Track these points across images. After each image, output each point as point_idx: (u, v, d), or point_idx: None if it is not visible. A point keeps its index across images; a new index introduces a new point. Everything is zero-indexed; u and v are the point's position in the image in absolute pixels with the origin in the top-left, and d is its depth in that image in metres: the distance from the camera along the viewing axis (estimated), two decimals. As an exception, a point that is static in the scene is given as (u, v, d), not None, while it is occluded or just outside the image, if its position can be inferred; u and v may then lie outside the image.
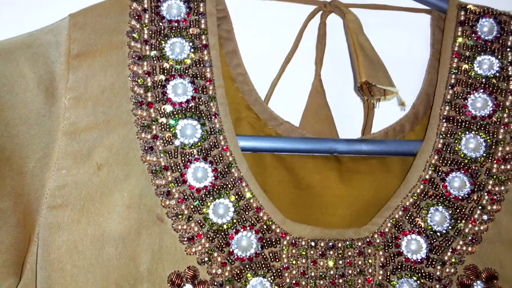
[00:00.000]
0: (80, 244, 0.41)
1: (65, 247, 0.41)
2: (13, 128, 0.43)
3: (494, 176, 0.48)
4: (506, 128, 0.49)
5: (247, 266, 0.44)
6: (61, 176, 0.42)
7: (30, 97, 0.43)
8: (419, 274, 0.46)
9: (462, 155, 0.48)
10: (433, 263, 0.46)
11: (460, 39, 0.50)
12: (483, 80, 0.50)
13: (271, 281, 0.44)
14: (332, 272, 0.45)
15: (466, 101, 0.49)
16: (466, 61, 0.50)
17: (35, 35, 0.45)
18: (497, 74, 0.50)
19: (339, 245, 0.46)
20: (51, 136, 0.43)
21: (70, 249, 0.41)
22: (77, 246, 0.41)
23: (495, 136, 0.49)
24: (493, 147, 0.48)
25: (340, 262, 0.45)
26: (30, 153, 0.43)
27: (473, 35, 0.51)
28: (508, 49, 0.51)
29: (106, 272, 0.41)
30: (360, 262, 0.46)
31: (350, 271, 0.46)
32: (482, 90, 0.50)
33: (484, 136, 0.49)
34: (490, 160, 0.48)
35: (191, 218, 0.43)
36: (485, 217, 0.47)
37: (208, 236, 0.44)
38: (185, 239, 0.43)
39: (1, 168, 0.42)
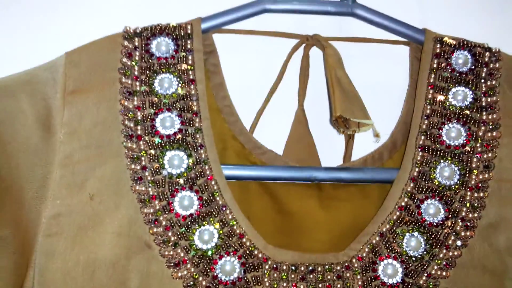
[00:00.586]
0: (73, 270, 0.44)
1: (59, 273, 0.44)
2: (13, 160, 0.46)
3: (468, 204, 0.50)
4: (479, 157, 0.51)
5: (230, 290, 0.47)
6: (56, 206, 0.45)
7: (29, 131, 0.47)
8: (395, 298, 0.48)
9: (437, 183, 0.51)
10: (409, 287, 0.48)
11: (435, 71, 0.53)
12: (457, 111, 0.52)
13: (253, 304, 0.46)
14: (311, 295, 0.48)
15: (441, 131, 0.52)
16: (441, 92, 0.53)
17: (33, 72, 0.49)
18: (471, 105, 0.52)
19: (319, 269, 0.48)
20: (47, 168, 0.46)
21: (64, 274, 0.44)
22: (70, 272, 0.44)
23: (468, 164, 0.51)
24: (467, 175, 0.51)
25: (320, 285, 0.48)
26: (28, 183, 0.46)
27: (448, 67, 0.53)
28: (482, 81, 0.53)
29: (97, 296, 0.44)
30: (339, 286, 0.48)
31: (329, 294, 0.48)
32: (456, 121, 0.52)
33: (458, 164, 0.51)
34: (464, 188, 0.51)
35: (177, 245, 0.46)
36: (459, 242, 0.50)
37: (194, 261, 0.46)
38: (172, 264, 0.46)
39: (1, 197, 0.46)
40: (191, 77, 0.50)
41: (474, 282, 0.49)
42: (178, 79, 0.49)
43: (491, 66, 0.54)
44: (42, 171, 0.46)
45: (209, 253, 0.47)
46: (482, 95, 0.53)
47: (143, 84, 0.49)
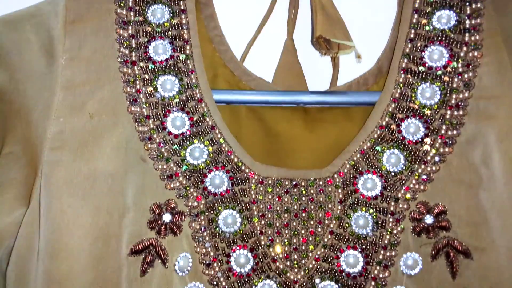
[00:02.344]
0: (75, 178, 0.49)
1: (62, 180, 0.49)
2: (21, 85, 0.51)
3: (447, 122, 0.52)
4: (460, 77, 0.53)
5: (219, 200, 0.51)
6: (59, 124, 0.50)
7: (34, 58, 0.51)
8: (374, 209, 0.51)
9: (418, 103, 0.53)
10: (388, 199, 0.51)
11: None
12: (440, 33, 0.54)
13: (240, 213, 0.51)
14: (295, 207, 0.51)
15: (423, 53, 0.53)
16: (426, 17, 0.54)
17: (37, 6, 0.53)
18: (454, 28, 0.54)
19: (302, 183, 0.52)
20: (51, 91, 0.51)
21: (67, 182, 0.49)
22: (73, 180, 0.49)
23: (449, 85, 0.53)
24: (447, 95, 0.53)
25: (303, 198, 0.51)
26: (34, 105, 0.51)
27: (433, -9, 0.54)
28: (467, 3, 0.54)
29: (98, 202, 0.49)
30: (321, 199, 0.52)
31: (312, 206, 0.51)
32: (438, 43, 0.53)
33: (439, 85, 0.53)
34: (444, 107, 0.52)
35: (169, 160, 0.51)
36: (437, 158, 0.52)
37: (185, 175, 0.51)
38: (165, 176, 0.50)
39: (12, 118, 0.51)
40: (182, 7, 0.53)
41: (450, 194, 0.51)
42: (170, 10, 0.53)
43: (477, -11, 0.54)
44: (47, 93, 0.51)
45: (200, 167, 0.51)
46: (467, 17, 0.54)
47: (137, 15, 0.53)
